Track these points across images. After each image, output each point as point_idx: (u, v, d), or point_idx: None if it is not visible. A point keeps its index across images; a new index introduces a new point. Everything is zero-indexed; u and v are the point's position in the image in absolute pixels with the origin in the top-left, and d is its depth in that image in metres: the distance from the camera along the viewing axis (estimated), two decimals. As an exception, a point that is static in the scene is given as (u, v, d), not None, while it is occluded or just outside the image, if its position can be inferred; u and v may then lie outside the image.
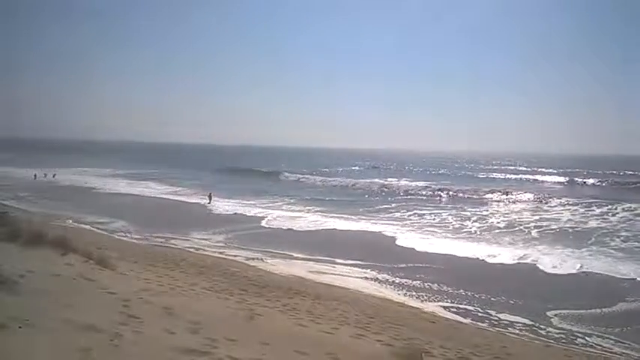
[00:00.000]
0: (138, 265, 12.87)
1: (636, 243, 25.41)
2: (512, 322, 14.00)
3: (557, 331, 13.42)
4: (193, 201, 40.22)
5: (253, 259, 20.28)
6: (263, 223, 30.10)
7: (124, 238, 23.30)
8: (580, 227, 30.65)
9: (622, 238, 26.82)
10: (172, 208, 36.23)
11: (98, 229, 25.65)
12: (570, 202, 40.97)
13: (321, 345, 6.41)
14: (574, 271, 19.49)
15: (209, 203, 38.16)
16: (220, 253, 21.22)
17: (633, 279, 18.24)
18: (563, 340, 12.72)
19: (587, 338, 12.95)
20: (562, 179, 70.11)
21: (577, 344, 12.54)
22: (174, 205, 38.48)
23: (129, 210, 33.01)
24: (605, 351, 12.14)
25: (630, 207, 36.77)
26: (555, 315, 14.53)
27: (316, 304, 11.56)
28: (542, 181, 69.92)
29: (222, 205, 37.16)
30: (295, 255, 21.45)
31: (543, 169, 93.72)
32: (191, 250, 21.38)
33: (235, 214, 33.26)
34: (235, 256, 20.64)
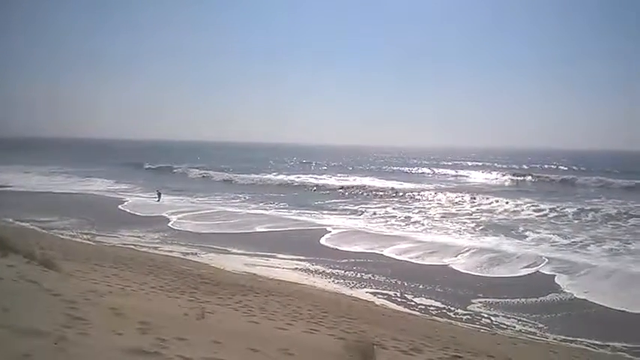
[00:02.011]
0: (84, 265, 12.45)
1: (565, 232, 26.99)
2: (428, 306, 15.28)
3: (466, 312, 14.74)
4: (141, 199, 39.39)
5: (188, 253, 20.52)
6: (202, 219, 29.97)
7: (69, 237, 22.51)
8: (512, 218, 32.57)
9: (553, 229, 28.24)
10: (116, 207, 35.04)
11: (41, 228, 24.69)
12: (507, 197, 42.50)
13: (275, 341, 6.39)
14: (511, 263, 20.38)
15: (158, 201, 37.48)
16: (155, 248, 21.37)
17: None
18: (471, 321, 13.99)
19: (492, 318, 14.27)
20: (501, 175, 72.67)
21: (482, 324, 13.75)
22: (119, 203, 37.27)
23: (72, 208, 31.86)
24: (509, 329, 13.44)
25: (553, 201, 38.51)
26: (480, 302, 15.64)
27: (269, 301, 11.54)
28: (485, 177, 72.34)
29: (166, 203, 36.84)
30: (233, 250, 21.71)
31: (488, 164, 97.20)
32: (134, 247, 21.11)
33: (169, 213, 32.27)
34: (170, 251, 20.84)
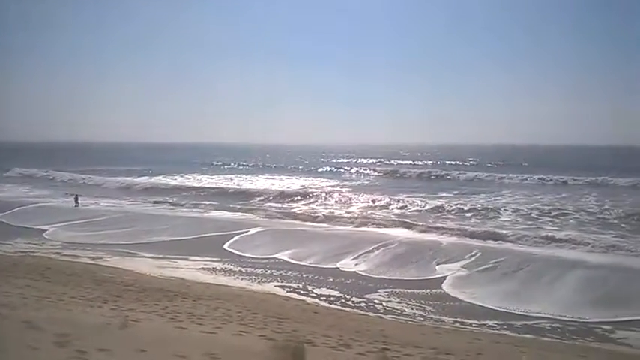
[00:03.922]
0: (-6, 277, 11.69)
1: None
2: (326, 295, 15.99)
3: (360, 299, 15.63)
4: (56, 203, 37.32)
5: (94, 257, 19.79)
6: (110, 223, 28.90)
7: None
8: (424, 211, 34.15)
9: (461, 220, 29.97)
10: (30, 211, 32.86)
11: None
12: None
13: (202, 346, 6.30)
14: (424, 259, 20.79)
15: (76, 206, 35.26)
16: (57, 253, 20.45)
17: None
18: (365, 306, 14.97)
19: (384, 304, 15.23)
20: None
21: (376, 310, 14.66)
22: (36, 208, 34.92)
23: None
24: (397, 311, 14.57)
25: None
26: (386, 291, 16.45)
27: (198, 305, 11.34)
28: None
29: (86, 208, 35.15)
30: (141, 253, 21.10)
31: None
32: (50, 256, 19.79)
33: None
34: (77, 256, 20.01)
